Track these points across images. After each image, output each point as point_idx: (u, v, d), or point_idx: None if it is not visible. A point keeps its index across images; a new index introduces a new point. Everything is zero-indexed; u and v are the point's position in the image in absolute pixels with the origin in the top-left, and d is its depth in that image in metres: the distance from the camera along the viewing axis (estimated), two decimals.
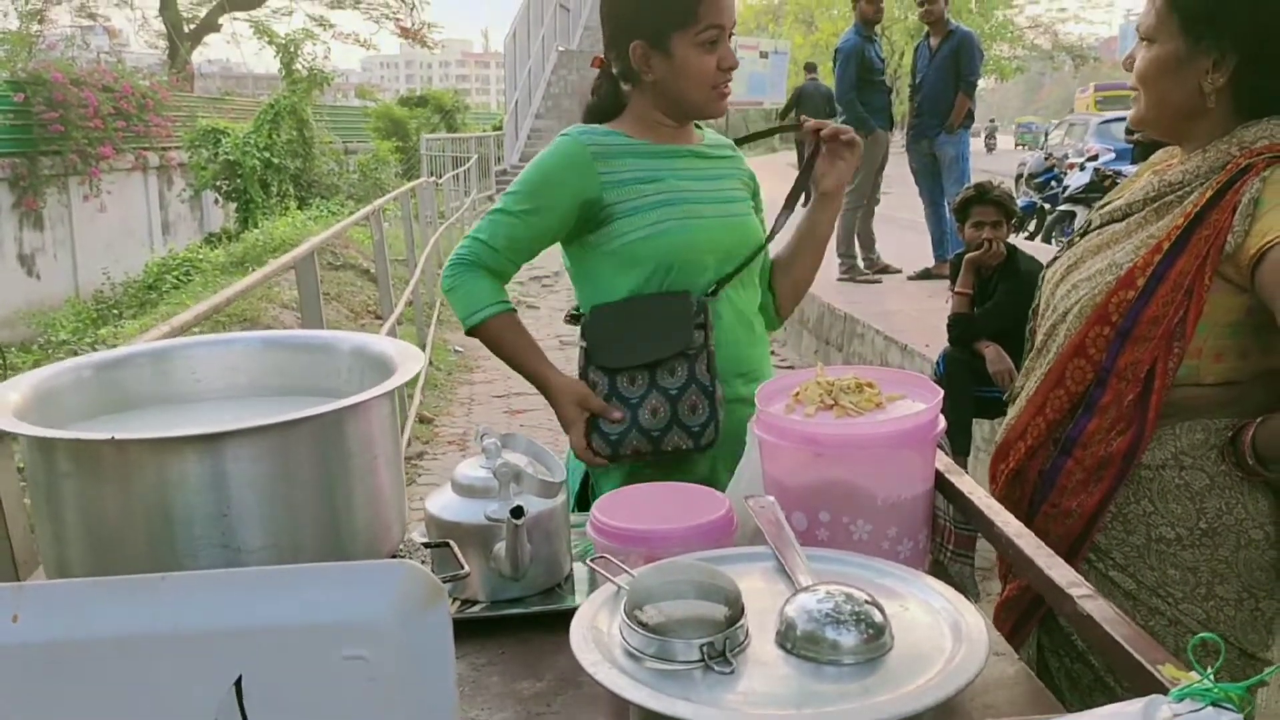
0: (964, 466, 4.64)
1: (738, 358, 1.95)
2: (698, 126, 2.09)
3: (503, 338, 1.93)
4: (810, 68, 19.61)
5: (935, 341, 5.38)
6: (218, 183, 17.37)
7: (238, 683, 0.73)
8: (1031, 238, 13.04)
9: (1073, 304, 1.70)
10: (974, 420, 4.52)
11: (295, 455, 0.96)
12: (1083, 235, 1.81)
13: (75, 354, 8.42)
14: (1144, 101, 1.70)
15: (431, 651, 0.75)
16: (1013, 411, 1.82)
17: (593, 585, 1.30)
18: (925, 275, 8.19)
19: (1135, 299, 1.60)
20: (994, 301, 4.38)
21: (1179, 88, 1.64)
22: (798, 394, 1.48)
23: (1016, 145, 48.30)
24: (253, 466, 0.94)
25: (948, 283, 5.15)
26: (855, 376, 1.49)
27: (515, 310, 1.96)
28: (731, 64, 1.89)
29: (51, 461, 0.94)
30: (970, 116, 7.87)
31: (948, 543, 1.55)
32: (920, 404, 1.43)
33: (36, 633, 0.74)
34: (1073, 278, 1.74)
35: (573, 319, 2.01)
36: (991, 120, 48.78)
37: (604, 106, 2.01)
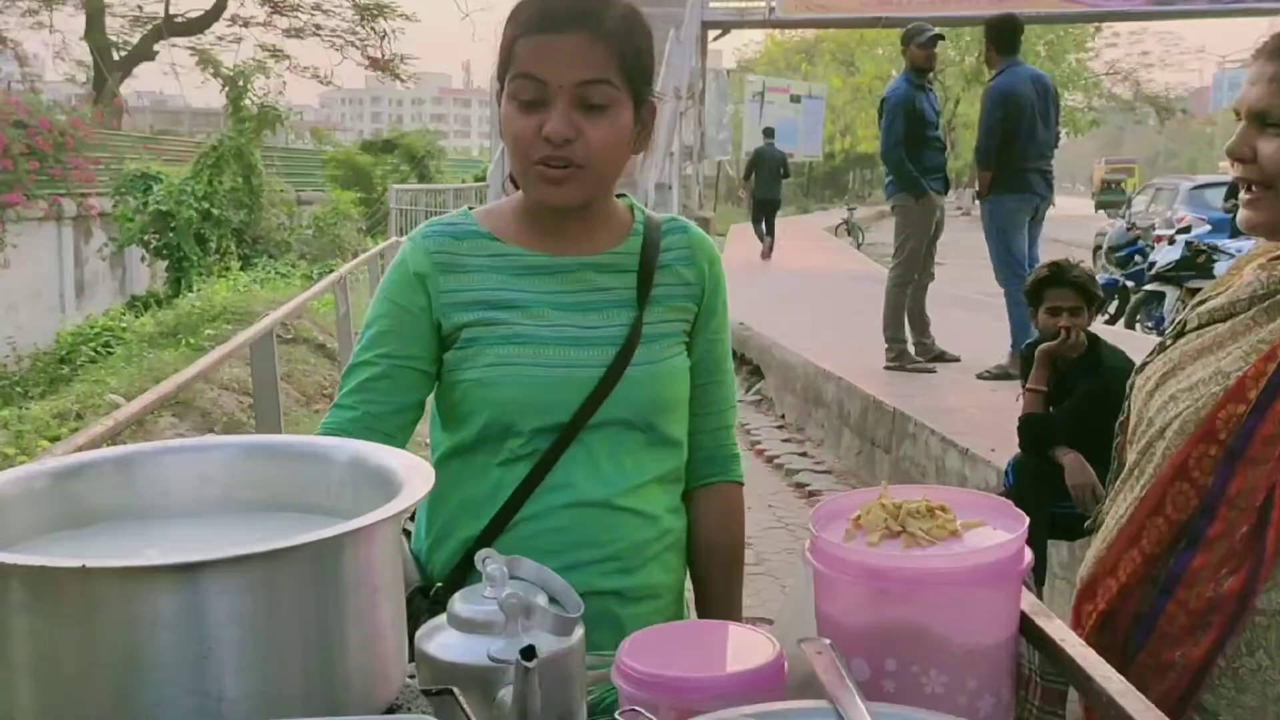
0: (1039, 598, 4.64)
1: (589, 540, 1.78)
2: (639, 216, 1.89)
3: None
4: (768, 132, 21.57)
5: (1003, 446, 5.41)
6: (146, 237, 17.53)
7: None
8: (1112, 321, 13.14)
9: (1171, 418, 1.72)
10: (1049, 542, 4.53)
11: (287, 588, 0.98)
12: (1178, 336, 1.84)
13: None
14: (1273, 204, 1.70)
15: None
16: (1101, 541, 1.84)
17: None
18: (1001, 377, 7.90)
19: (1247, 414, 1.63)
20: (1073, 400, 4.41)
21: None
22: (859, 518, 1.50)
23: None
24: (237, 601, 0.96)
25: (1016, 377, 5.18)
26: (926, 498, 1.51)
27: None
28: (552, 130, 1.66)
29: (4, 591, 0.96)
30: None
31: (1033, 698, 1.56)
32: (1003, 533, 1.46)
33: None
34: (1170, 387, 1.76)
35: None
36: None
37: None
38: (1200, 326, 1.80)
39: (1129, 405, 1.89)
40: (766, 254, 20.67)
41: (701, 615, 1.97)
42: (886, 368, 8.44)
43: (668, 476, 1.87)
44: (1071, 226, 28.49)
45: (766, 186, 20.85)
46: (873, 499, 1.52)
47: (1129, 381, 1.91)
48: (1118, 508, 1.81)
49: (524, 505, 1.76)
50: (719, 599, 1.97)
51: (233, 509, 1.24)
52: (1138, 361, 1.93)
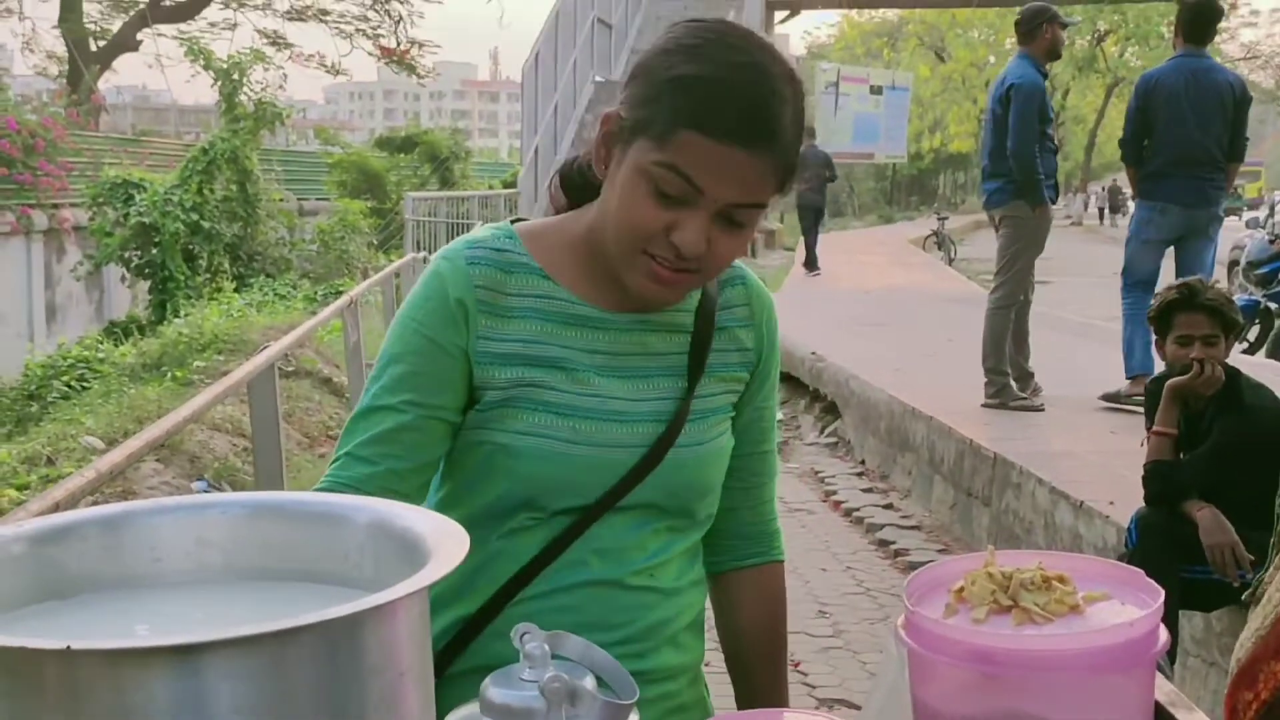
0: (1167, 678, 4.59)
1: (600, 622, 1.76)
2: None
3: None
4: (807, 132, 22.41)
5: (1124, 498, 5.36)
6: (126, 253, 17.75)
7: None
8: (1251, 350, 13.00)
9: None
10: (1180, 612, 4.48)
11: (299, 673, 0.98)
12: None
13: None
14: None
15: None
16: (1261, 616, 1.81)
17: None
18: (1115, 400, 8.24)
19: None
20: (1208, 446, 4.37)
21: None
22: (961, 589, 1.49)
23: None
24: (242, 688, 0.96)
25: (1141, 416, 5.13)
26: (1041, 566, 1.50)
27: None
28: (683, 242, 1.63)
29: None
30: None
31: None
32: (1134, 608, 1.44)
33: None
34: None
35: None
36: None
37: (581, 182, 1.85)
38: None
39: None
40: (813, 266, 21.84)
41: (743, 708, 1.97)
42: (985, 405, 8.39)
43: (690, 550, 1.89)
44: None
45: (808, 193, 21.66)
46: (978, 567, 1.51)
47: None
48: None
49: (529, 583, 1.77)
50: (766, 689, 2.00)
51: (236, 578, 1.24)
52: None
